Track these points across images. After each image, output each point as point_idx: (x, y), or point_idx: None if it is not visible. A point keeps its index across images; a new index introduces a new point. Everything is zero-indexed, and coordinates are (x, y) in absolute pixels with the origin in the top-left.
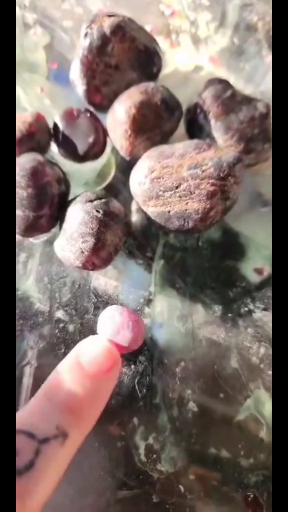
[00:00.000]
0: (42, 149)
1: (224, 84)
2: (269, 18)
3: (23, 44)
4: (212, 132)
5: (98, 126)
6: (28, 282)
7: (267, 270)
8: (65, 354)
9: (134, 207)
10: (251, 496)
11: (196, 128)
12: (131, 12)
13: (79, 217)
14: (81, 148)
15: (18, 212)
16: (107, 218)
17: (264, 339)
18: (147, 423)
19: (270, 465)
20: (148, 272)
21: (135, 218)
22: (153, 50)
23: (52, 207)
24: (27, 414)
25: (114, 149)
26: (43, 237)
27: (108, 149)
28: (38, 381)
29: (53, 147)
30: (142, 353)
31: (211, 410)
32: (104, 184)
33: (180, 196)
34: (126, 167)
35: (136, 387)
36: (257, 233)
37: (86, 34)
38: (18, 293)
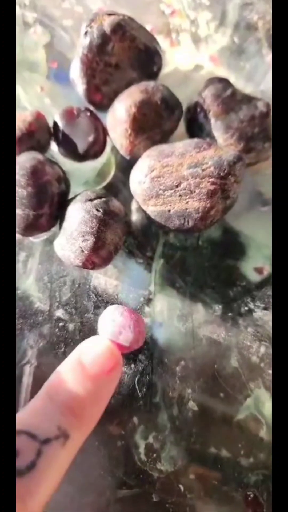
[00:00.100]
0: (42, 148)
1: (224, 83)
2: (269, 17)
3: (23, 43)
4: (212, 131)
5: (98, 125)
6: (28, 281)
7: (267, 269)
8: (65, 353)
9: (134, 206)
10: (251, 495)
11: (196, 127)
12: (131, 11)
13: (79, 216)
14: (81, 147)
15: (18, 211)
16: (107, 217)
17: (264, 338)
18: (147, 422)
19: (270, 465)
20: (148, 271)
21: (135, 217)
22: (153, 49)
23: (52, 206)
24: (29, 414)
25: (114, 148)
26: (43, 236)
27: (108, 148)
28: (38, 380)
29: (53, 146)
30: (142, 352)
31: (211, 409)
32: (104, 183)
33: (180, 195)
34: (126, 166)
35: (136, 386)
36: (257, 232)
37: (86, 33)
38: (18, 292)
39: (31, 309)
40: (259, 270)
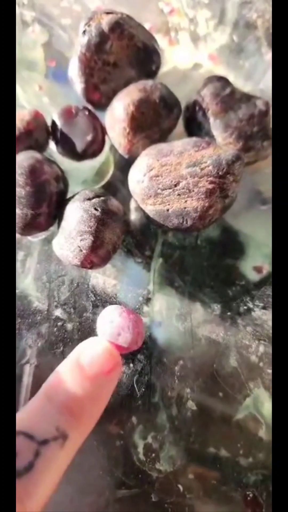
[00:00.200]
0: (40, 147)
1: (223, 81)
2: (268, 15)
3: (21, 42)
4: (211, 130)
5: (96, 124)
6: (27, 281)
7: (266, 268)
8: (63, 352)
9: (132, 205)
10: (251, 495)
11: (195, 126)
12: (129, 10)
13: (77, 216)
14: (80, 146)
15: (17, 211)
16: (105, 216)
17: (263, 338)
18: (146, 422)
19: (269, 464)
20: (146, 270)
21: (133, 216)
22: (151, 47)
23: (51, 205)
24: (27, 415)
25: (112, 147)
26: (42, 235)
27: (106, 147)
28: (37, 379)
29: (52, 145)
30: (141, 352)
31: (210, 409)
32: (103, 182)
33: (178, 194)
34: (124, 165)
35: (135, 385)
36: (256, 231)
37: (84, 32)
38: (17, 291)
39: (29, 309)
40: (258, 269)
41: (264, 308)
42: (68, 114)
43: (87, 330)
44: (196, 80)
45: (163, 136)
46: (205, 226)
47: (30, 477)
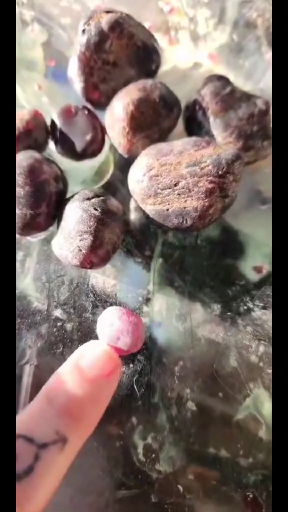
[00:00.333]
0: (40, 146)
1: (223, 81)
2: (268, 14)
3: (21, 42)
4: (211, 129)
5: (96, 123)
6: (26, 281)
7: (266, 268)
8: (63, 353)
9: (132, 205)
10: (250, 496)
11: (195, 125)
12: (129, 9)
13: (76, 215)
14: (79, 145)
15: (16, 211)
16: (105, 216)
17: (263, 338)
18: (145, 422)
19: (269, 465)
20: (146, 270)
21: (133, 216)
22: (151, 46)
23: (50, 205)
24: (27, 418)
25: (112, 147)
26: (41, 235)
27: (106, 147)
28: (37, 380)
29: (51, 145)
30: (141, 352)
31: (210, 409)
32: (102, 182)
33: (178, 194)
34: (124, 164)
35: (135, 386)
36: (256, 231)
37: (83, 31)
38: (16, 291)
39: (29, 309)
40: (258, 269)
41: (264, 308)
42: (68, 113)
43: (86, 331)
44: (196, 80)
45: (163, 135)
46: (205, 226)
47: (29, 480)
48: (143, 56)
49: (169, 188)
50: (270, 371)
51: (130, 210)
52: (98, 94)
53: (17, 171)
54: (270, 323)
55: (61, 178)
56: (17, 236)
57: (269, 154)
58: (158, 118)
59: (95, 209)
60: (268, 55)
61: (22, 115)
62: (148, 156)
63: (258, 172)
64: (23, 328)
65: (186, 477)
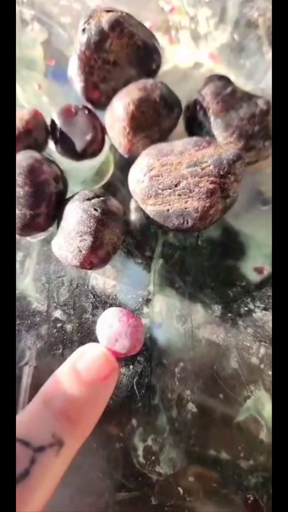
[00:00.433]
0: (40, 146)
1: (224, 80)
2: (269, 14)
3: (20, 41)
4: (212, 130)
5: (96, 123)
6: (26, 282)
7: (267, 269)
8: (63, 354)
9: (132, 205)
10: (251, 498)
11: (196, 125)
12: (130, 8)
13: (76, 216)
14: (79, 145)
15: (15, 211)
16: (105, 216)
17: (264, 339)
18: (145, 424)
19: (270, 467)
20: (147, 271)
21: (133, 216)
22: (152, 46)
23: (50, 205)
24: (23, 421)
25: (112, 147)
26: (41, 236)
27: (106, 147)
28: (36, 381)
29: (51, 145)
30: (141, 354)
31: (210, 411)
32: (102, 182)
33: (179, 194)
34: (124, 165)
35: (135, 387)
36: (257, 231)
37: (84, 30)
38: (16, 292)
39: (28, 310)
40: (259, 270)
41: (265, 309)
42: (68, 113)
43: (86, 331)
44: (197, 79)
45: (163, 135)
46: (206, 227)
47: (26, 484)
48: (144, 56)
49: (170, 188)
50: (271, 372)
51: (131, 210)
52: (98, 94)
53: (17, 171)
54: (271, 324)
55: (61, 178)
56: (17, 236)
57: (270, 154)
58: (159, 118)
59: (95, 210)
60: (269, 55)
61: (22, 114)
62: (149, 156)
63: (259, 173)
64: (22, 329)
65: (187, 479)
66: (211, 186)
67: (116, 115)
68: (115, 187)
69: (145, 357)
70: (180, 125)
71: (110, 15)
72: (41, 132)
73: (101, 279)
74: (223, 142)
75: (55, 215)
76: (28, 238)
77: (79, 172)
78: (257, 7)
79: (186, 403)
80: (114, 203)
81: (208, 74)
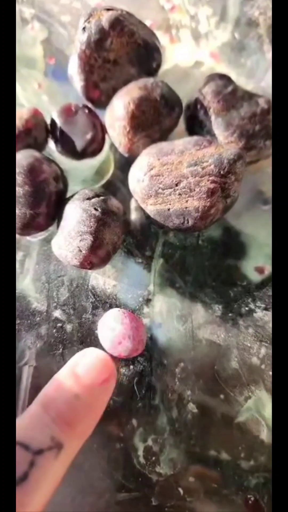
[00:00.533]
0: (39, 145)
1: (225, 79)
2: (270, 13)
3: (20, 40)
4: (212, 129)
5: (96, 122)
6: (25, 281)
7: (268, 269)
8: (63, 354)
9: (133, 205)
10: (252, 499)
11: (196, 125)
12: (130, 7)
13: (76, 215)
14: (79, 145)
15: (15, 210)
16: (105, 216)
17: (265, 339)
18: (146, 424)
19: (271, 468)
20: (147, 271)
21: (134, 216)
22: (152, 45)
23: (50, 205)
24: (23, 424)
25: (112, 146)
26: (41, 235)
27: (106, 146)
28: (36, 381)
29: (51, 144)
30: (141, 354)
31: (211, 411)
32: (103, 182)
33: (179, 194)
34: (124, 164)
35: (135, 387)
36: (258, 231)
37: (84, 28)
38: (15, 292)
39: (28, 310)
40: (260, 270)
41: (265, 309)
42: (68, 112)
43: (86, 332)
44: (198, 78)
45: (163, 135)
46: (207, 226)
47: (24, 487)
48: (144, 54)
49: (170, 188)
50: (271, 373)
51: (131, 210)
52: (99, 93)
53: (17, 170)
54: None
55: (61, 178)
56: (17, 236)
57: (271, 153)
58: (159, 117)
59: (95, 209)
60: (270, 54)
61: (21, 113)
62: (149, 156)
63: (260, 172)
64: (22, 329)
65: (187, 480)
66: (211, 185)
67: (116, 114)
68: (115, 186)
69: (146, 357)
70: (181, 124)
71: (110, 13)
72: (41, 131)
73: (101, 279)
74: (224, 141)
75: (55, 215)
76: (28, 237)
77: (79, 172)
78: (257, 5)
79: (187, 403)
80: (114, 202)
81: (208, 73)
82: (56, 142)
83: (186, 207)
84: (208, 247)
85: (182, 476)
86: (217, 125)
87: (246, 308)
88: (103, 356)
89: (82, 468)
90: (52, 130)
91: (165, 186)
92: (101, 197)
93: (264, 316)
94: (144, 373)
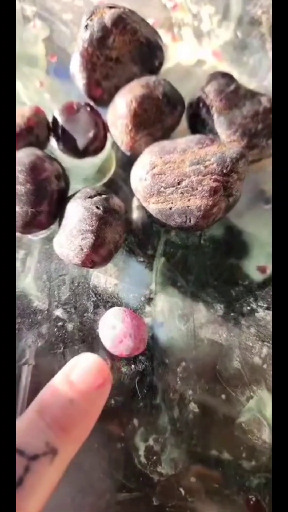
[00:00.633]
0: (41, 144)
1: (228, 78)
2: None
3: (22, 37)
4: (215, 127)
5: (98, 120)
6: (27, 280)
7: (270, 268)
8: (63, 353)
9: (135, 203)
10: (253, 499)
11: (199, 123)
12: (132, 5)
13: (78, 214)
14: (81, 143)
15: (17, 208)
16: (107, 214)
17: (267, 339)
18: (147, 424)
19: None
20: (149, 270)
21: (136, 215)
22: (155, 43)
23: (51, 203)
24: (18, 429)
25: (114, 144)
26: (42, 234)
27: (108, 144)
28: (36, 380)
29: (53, 142)
30: (143, 353)
31: (212, 411)
32: (104, 180)
33: (182, 193)
34: (127, 162)
35: (136, 387)
36: (260, 230)
37: (86, 26)
38: (16, 291)
39: (29, 308)
40: (262, 269)
41: (267, 308)
42: (70, 110)
43: (88, 331)
44: (200, 77)
45: (166, 133)
46: (209, 225)
47: (20, 492)
48: (146, 52)
49: (173, 186)
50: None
51: (133, 208)
52: (101, 91)
53: (18, 168)
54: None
55: (62, 176)
56: (18, 234)
57: None
58: (161, 116)
59: (97, 208)
60: None
61: (23, 111)
62: (151, 154)
63: (263, 171)
64: (23, 328)
65: (188, 480)
66: (214, 184)
67: (119, 113)
68: (117, 185)
69: (147, 356)
70: (183, 123)
71: (112, 11)
72: (42, 129)
73: (103, 278)
74: (226, 140)
75: (56, 213)
76: (29, 236)
77: (80, 170)
78: (260, 4)
79: (188, 403)
80: (116, 201)
81: (211, 72)
82: (58, 140)
83: (188, 206)
84: (210, 246)
85: (184, 476)
86: (219, 124)
87: (248, 308)
88: (98, 361)
89: (82, 468)
90: (54, 128)
91: (167, 185)
92: (103, 196)
93: (266, 315)
94: (146, 373)
